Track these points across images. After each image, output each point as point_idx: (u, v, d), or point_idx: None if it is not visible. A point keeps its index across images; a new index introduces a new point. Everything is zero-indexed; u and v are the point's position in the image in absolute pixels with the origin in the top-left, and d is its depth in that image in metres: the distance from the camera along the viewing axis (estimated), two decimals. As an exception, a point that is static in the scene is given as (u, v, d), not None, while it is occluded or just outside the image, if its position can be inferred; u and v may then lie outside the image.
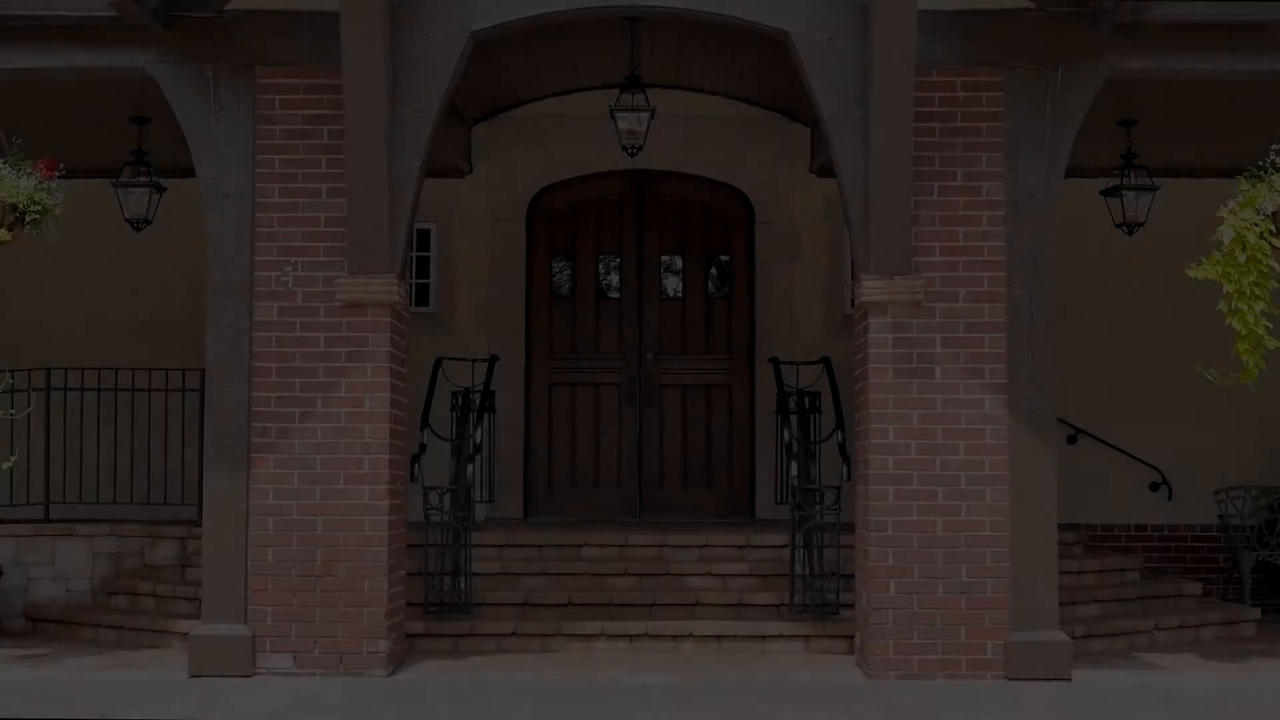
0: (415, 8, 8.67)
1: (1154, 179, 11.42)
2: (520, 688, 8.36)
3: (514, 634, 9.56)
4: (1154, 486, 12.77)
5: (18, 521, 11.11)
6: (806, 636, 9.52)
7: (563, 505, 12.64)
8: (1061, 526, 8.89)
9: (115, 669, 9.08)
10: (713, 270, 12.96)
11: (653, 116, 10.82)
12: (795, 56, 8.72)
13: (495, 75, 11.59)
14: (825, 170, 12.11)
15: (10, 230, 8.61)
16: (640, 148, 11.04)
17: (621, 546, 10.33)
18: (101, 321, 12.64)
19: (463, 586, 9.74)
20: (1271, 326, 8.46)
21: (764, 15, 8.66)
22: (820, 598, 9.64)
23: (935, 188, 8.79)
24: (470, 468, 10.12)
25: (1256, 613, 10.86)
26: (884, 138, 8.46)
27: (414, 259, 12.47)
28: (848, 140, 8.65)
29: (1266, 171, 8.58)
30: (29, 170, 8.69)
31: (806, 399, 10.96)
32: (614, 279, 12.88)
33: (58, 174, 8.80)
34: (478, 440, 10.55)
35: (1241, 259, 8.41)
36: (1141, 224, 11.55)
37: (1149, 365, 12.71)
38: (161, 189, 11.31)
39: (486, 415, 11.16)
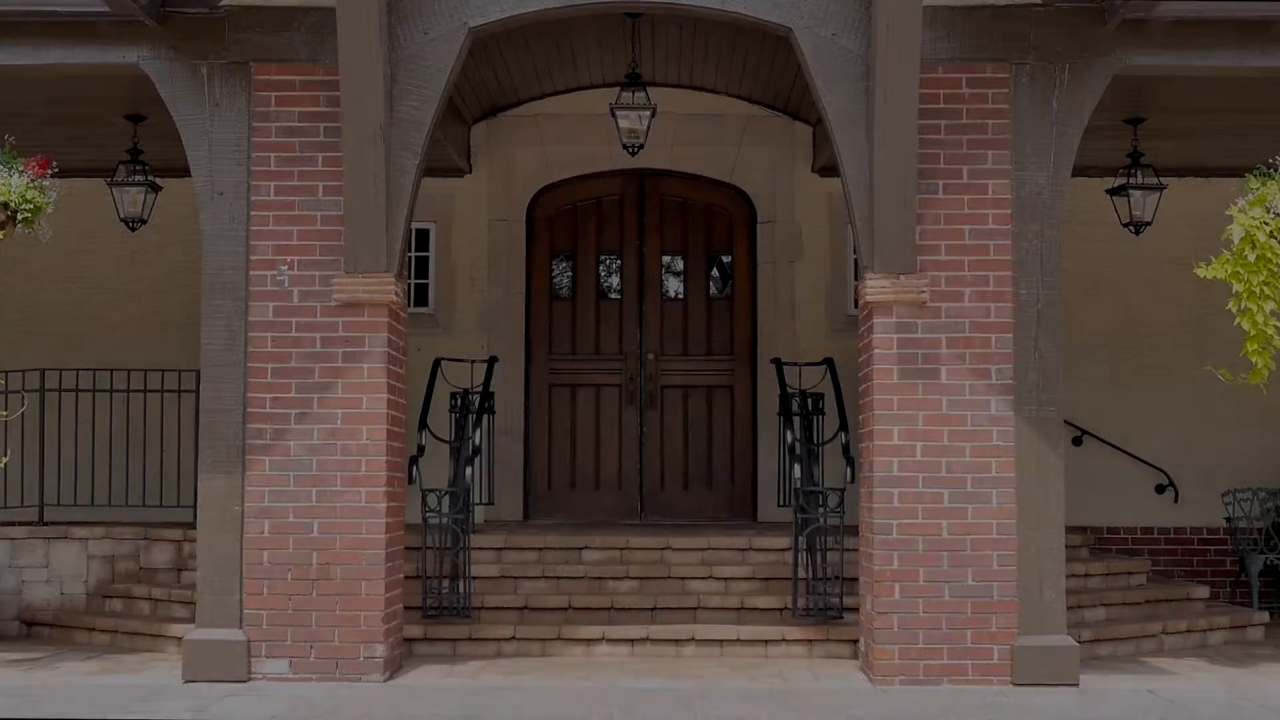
0: (413, 3, 8.56)
1: (1161, 178, 11.32)
2: (520, 692, 8.25)
3: (513, 638, 9.46)
4: (1160, 488, 12.67)
5: (12, 524, 11.00)
6: (809, 641, 9.42)
7: (563, 507, 12.55)
8: (1067, 529, 8.78)
9: (109, 673, 8.97)
10: (714, 270, 12.86)
11: (654, 115, 10.71)
12: (798, 53, 8.61)
13: (495, 73, 11.50)
14: (828, 169, 12.07)
15: (2, 229, 8.52)
16: (641, 146, 10.94)
17: (622, 549, 10.23)
18: (96, 322, 12.58)
19: (461, 590, 9.65)
20: (1283, 327, 8.35)
21: (766, 11, 8.54)
22: (824, 602, 9.53)
23: (940, 186, 8.68)
24: (469, 470, 10.02)
25: (1265, 616, 10.76)
26: (888, 135, 8.35)
27: (413, 259, 12.42)
28: (851, 137, 8.54)
29: (1277, 169, 8.47)
30: (20, 168, 8.60)
31: (809, 400, 10.88)
32: (614, 279, 12.78)
33: (50, 172, 8.72)
34: (477, 442, 10.45)
35: (1251, 258, 8.31)
36: (1148, 223, 11.45)
37: (1155, 366, 12.62)
38: (157, 188, 11.22)
39: (486, 417, 11.07)
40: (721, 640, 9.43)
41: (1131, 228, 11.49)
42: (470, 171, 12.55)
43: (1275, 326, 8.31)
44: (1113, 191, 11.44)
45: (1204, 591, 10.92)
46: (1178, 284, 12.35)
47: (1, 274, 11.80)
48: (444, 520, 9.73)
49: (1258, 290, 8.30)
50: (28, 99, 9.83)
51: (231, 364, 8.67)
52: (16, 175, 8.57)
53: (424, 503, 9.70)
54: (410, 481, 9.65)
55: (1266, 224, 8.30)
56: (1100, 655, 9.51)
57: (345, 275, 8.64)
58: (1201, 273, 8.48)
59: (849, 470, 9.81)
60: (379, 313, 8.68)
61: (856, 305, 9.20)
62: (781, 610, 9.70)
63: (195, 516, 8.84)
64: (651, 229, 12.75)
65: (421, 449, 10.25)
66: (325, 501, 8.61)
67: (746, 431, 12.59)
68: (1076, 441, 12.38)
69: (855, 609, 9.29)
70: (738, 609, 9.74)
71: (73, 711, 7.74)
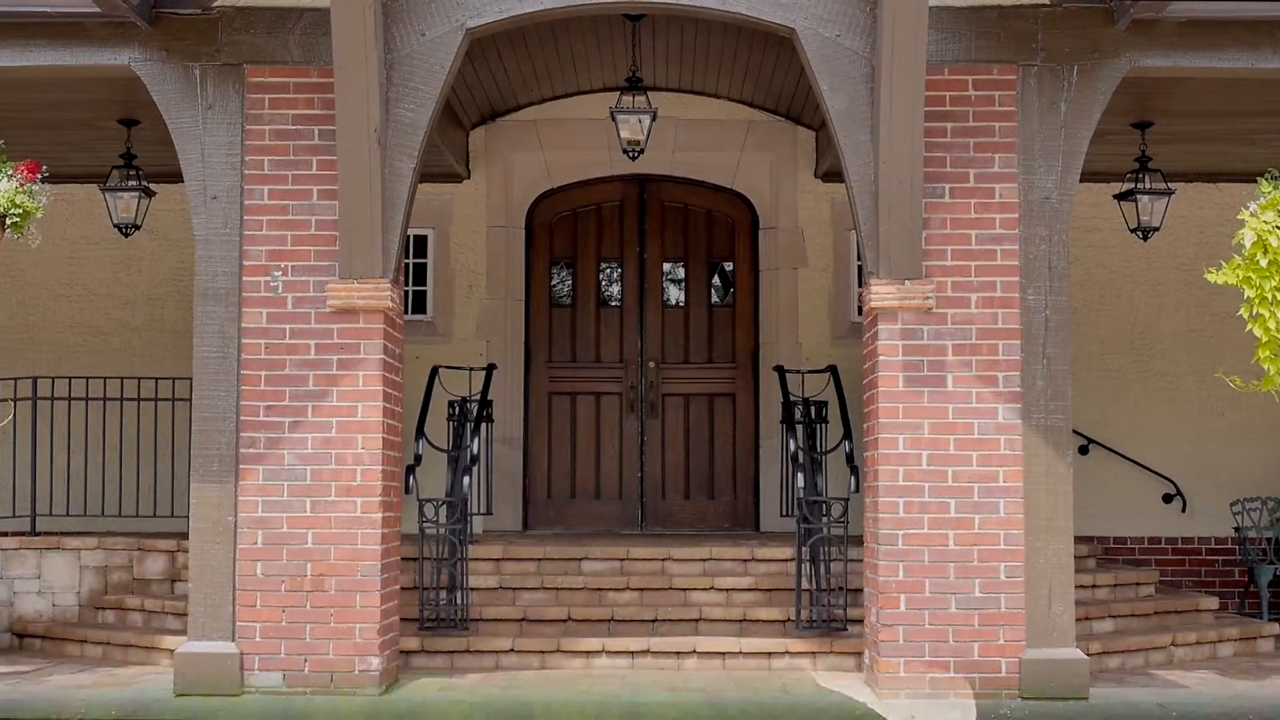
0: (409, 4, 8.44)
1: (1169, 183, 11.18)
2: (519, 706, 8.11)
3: (512, 650, 9.32)
4: (1167, 498, 12.53)
5: (3, 534, 10.87)
6: (813, 653, 9.27)
7: (562, 517, 12.42)
8: (1074, 539, 8.64)
9: (100, 687, 8.81)
10: (715, 277, 12.73)
11: (654, 119, 10.57)
12: (801, 55, 8.48)
13: (493, 77, 11.37)
14: (831, 175, 11.95)
15: (-9, 233, 8.40)
16: (641, 151, 10.79)
17: (623, 560, 10.09)
18: (89, 329, 12.45)
19: (459, 602, 9.50)
20: (1294, 332, 8.20)
21: (769, 12, 8.41)
22: (828, 613, 9.39)
23: (946, 189, 8.55)
24: (467, 479, 9.88)
25: (1275, 628, 10.59)
26: (893, 138, 8.21)
27: (411, 265, 12.31)
28: (856, 141, 8.41)
29: (1289, 173, 8.34)
30: (9, 172, 8.47)
31: (812, 408, 10.74)
32: (615, 286, 12.64)
33: (40, 176, 8.58)
34: (475, 451, 10.29)
35: (1263, 263, 8.15)
36: (1156, 229, 11.31)
37: (1163, 373, 12.49)
38: (150, 193, 11.07)
39: (484, 425, 10.91)
40: (724, 652, 9.29)
41: (1139, 233, 11.35)
42: (469, 177, 12.42)
43: (1287, 332, 8.17)
44: (1120, 196, 11.30)
45: (1213, 602, 10.76)
46: (1186, 290, 12.24)
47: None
48: (441, 530, 9.58)
49: (1269, 296, 8.15)
50: (18, 102, 9.71)
51: (224, 371, 8.55)
52: (5, 179, 8.43)
53: (421, 513, 9.56)
54: (407, 491, 9.50)
55: (1279, 228, 8.15)
56: (1109, 668, 9.37)
57: (340, 281, 8.51)
58: (1212, 278, 8.34)
59: (853, 479, 9.66)
60: (374, 319, 8.54)
61: (861, 312, 9.08)
62: (785, 622, 9.56)
63: (189, 526, 8.71)
64: (652, 235, 12.62)
65: (418, 458, 10.10)
66: (319, 512, 8.48)
67: (749, 440, 12.46)
68: (1083, 450, 12.24)
69: (860, 621, 9.16)
70: (740, 621, 9.60)
71: (61, 726, 7.65)
